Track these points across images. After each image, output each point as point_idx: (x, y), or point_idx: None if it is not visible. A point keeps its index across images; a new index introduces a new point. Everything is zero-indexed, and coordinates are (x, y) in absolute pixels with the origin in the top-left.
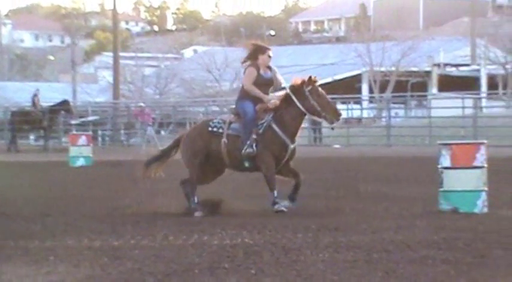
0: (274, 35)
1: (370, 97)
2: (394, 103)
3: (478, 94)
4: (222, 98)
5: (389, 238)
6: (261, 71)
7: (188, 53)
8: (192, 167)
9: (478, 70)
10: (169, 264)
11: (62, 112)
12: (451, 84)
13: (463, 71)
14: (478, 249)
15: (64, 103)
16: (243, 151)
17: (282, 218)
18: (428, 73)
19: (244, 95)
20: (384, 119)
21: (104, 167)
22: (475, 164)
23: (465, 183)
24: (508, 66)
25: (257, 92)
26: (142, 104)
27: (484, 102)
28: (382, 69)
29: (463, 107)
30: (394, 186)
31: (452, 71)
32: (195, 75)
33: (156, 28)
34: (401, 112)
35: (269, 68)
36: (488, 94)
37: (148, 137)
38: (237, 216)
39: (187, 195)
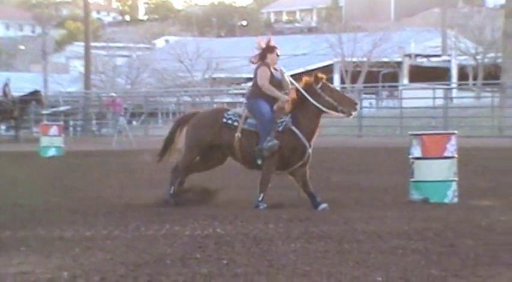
0: (246, 26)
1: (342, 88)
2: (365, 94)
3: (449, 85)
4: (194, 88)
5: (361, 228)
6: (272, 71)
7: (160, 43)
8: (190, 153)
9: (449, 61)
10: (140, 254)
11: (33, 102)
12: (422, 75)
13: (434, 61)
14: (448, 239)
15: (35, 93)
16: (265, 144)
17: (254, 209)
18: (399, 64)
19: (257, 94)
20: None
21: (75, 157)
22: (446, 154)
23: (436, 174)
24: (478, 57)
25: (275, 92)
26: (113, 94)
27: (454, 93)
28: (354, 59)
29: (434, 98)
30: (366, 176)
31: (423, 61)
32: (166, 66)
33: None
34: (372, 103)
35: (275, 69)
36: (459, 85)
37: (119, 127)
38: (209, 206)
39: (171, 182)
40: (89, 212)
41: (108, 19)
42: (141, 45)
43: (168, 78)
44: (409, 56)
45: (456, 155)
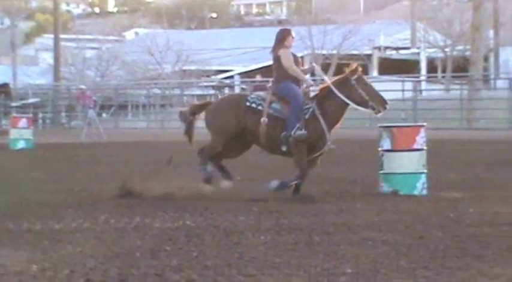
0: (216, 18)
1: (312, 80)
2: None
3: (418, 77)
4: (164, 81)
5: (331, 220)
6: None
7: (130, 35)
8: (216, 139)
9: (418, 53)
10: (110, 247)
11: (2, 95)
12: (392, 67)
13: (403, 54)
14: (417, 231)
15: (4, 86)
16: (293, 132)
17: (224, 201)
18: (369, 56)
19: (285, 76)
20: None
21: (44, 149)
22: (415, 146)
23: (405, 166)
24: (447, 50)
25: (301, 74)
26: (83, 87)
27: (423, 85)
28: (324, 52)
29: (403, 90)
30: (335, 168)
31: (392, 54)
32: (136, 58)
33: (97, 10)
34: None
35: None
36: (428, 77)
37: (89, 119)
38: (179, 198)
39: (201, 164)
40: (58, 205)
41: (77, 11)
42: (111, 37)
43: (138, 71)
44: (379, 48)
45: (425, 147)
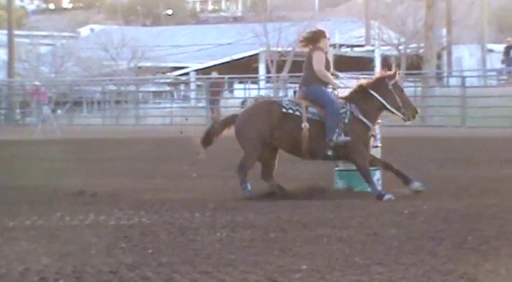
0: (171, 15)
1: (267, 77)
2: (291, 83)
3: (373, 74)
4: (119, 77)
5: (286, 217)
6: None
7: (85, 31)
8: (253, 151)
9: (373, 51)
10: (65, 244)
11: None
12: (346, 64)
13: (358, 51)
14: (371, 228)
15: None
16: (334, 138)
17: (180, 198)
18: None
19: (315, 80)
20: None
21: None
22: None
23: None
24: (401, 47)
25: (329, 78)
26: (37, 83)
27: None
28: (279, 49)
29: None
30: (291, 165)
31: (347, 51)
32: (91, 54)
33: (51, 6)
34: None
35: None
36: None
37: (44, 116)
38: (135, 195)
39: (242, 183)
40: (13, 202)
41: (31, 7)
42: (66, 33)
43: (93, 67)
44: (333, 46)
45: (380, 144)
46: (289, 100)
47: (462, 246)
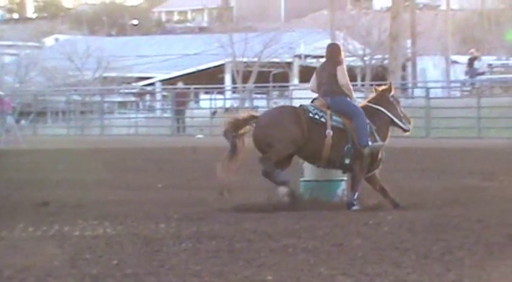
0: (137, 25)
1: (233, 87)
2: (256, 94)
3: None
4: (84, 87)
5: (251, 228)
6: None
7: (49, 41)
8: (282, 150)
9: None
10: (28, 256)
11: None
12: (312, 75)
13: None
14: (336, 238)
15: None
16: (370, 143)
17: (145, 209)
18: (289, 64)
19: (340, 92)
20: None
21: None
22: None
23: (325, 173)
24: (366, 58)
25: (352, 92)
26: (1, 93)
27: None
28: (245, 60)
29: None
30: (256, 176)
31: (312, 62)
32: (56, 64)
33: (16, 16)
34: (263, 102)
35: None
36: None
37: (8, 126)
38: (100, 206)
39: (270, 174)
40: None
41: None
42: (30, 43)
43: (57, 77)
44: (299, 56)
45: None
46: (313, 106)
47: (426, 257)
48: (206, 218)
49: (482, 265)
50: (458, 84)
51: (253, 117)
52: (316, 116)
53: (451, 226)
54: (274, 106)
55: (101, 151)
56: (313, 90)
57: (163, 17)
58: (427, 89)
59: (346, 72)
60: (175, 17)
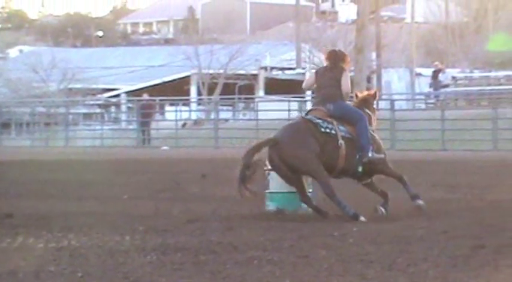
0: (102, 36)
1: (199, 99)
2: (222, 105)
3: (303, 97)
4: (49, 99)
5: (217, 240)
6: None
7: (14, 52)
8: (318, 168)
9: (303, 74)
10: None
11: None
12: (278, 87)
13: (289, 74)
14: (302, 250)
15: None
16: (371, 155)
17: (109, 220)
18: (255, 76)
19: (341, 97)
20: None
21: None
22: None
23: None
24: None
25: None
26: None
27: (308, 105)
28: (211, 71)
29: (289, 110)
30: (222, 187)
31: (278, 74)
32: (21, 76)
33: None
34: (229, 114)
35: None
36: (313, 97)
37: None
38: (64, 218)
39: (339, 205)
40: None
41: None
42: None
43: (22, 89)
44: (265, 68)
45: None
46: (319, 118)
47: (391, 268)
48: (172, 230)
49: (446, 277)
50: (422, 97)
51: (270, 140)
52: (328, 129)
53: (415, 238)
54: (286, 124)
55: (66, 163)
56: (305, 88)
57: (129, 29)
58: (392, 101)
59: (349, 81)
60: (141, 29)
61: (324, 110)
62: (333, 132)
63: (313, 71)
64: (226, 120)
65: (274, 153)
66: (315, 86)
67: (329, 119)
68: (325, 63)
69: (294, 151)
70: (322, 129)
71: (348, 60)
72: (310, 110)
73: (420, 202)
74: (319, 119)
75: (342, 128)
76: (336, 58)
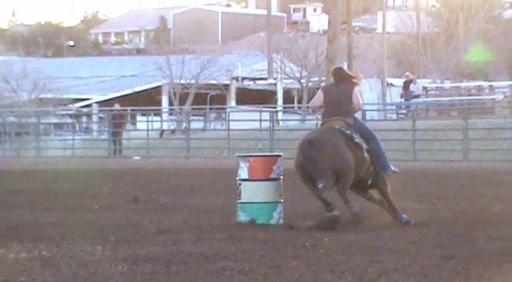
0: (73, 46)
1: (170, 109)
2: (193, 115)
3: (275, 107)
4: (20, 109)
5: (188, 250)
6: None
7: None
8: (352, 176)
9: (275, 84)
10: None
11: None
12: (249, 97)
13: (261, 84)
14: (273, 260)
15: None
16: (393, 168)
17: (81, 230)
18: (227, 86)
19: (353, 112)
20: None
21: None
22: (272, 176)
23: (262, 195)
24: (302, 81)
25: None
26: None
27: (280, 116)
28: (182, 81)
29: (261, 120)
30: (193, 198)
31: (250, 84)
32: None
33: None
34: (200, 124)
35: None
36: (285, 107)
37: None
38: (35, 228)
39: (347, 203)
40: None
41: None
42: None
43: None
44: (236, 78)
45: (282, 177)
46: (348, 129)
47: (362, 279)
48: (142, 240)
49: None
50: (394, 107)
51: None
52: (358, 141)
53: (386, 248)
54: (315, 128)
55: (37, 173)
56: (314, 107)
57: (100, 39)
58: (363, 111)
59: (359, 96)
60: (112, 39)
61: (346, 121)
62: (362, 144)
63: (320, 90)
64: (204, 130)
65: (314, 152)
66: (323, 103)
67: (354, 130)
68: (331, 80)
69: (342, 154)
70: (355, 140)
71: (360, 76)
72: (328, 120)
73: (404, 216)
74: (348, 129)
75: (361, 140)
76: (344, 74)
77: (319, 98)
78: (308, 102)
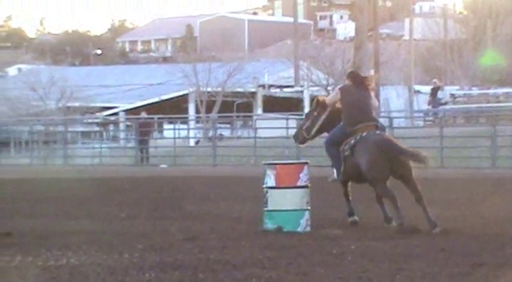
0: (100, 54)
1: (197, 117)
2: (220, 123)
3: (301, 115)
4: (48, 117)
5: (215, 257)
6: None
7: (12, 71)
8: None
9: (301, 91)
10: None
11: None
12: (276, 105)
13: (287, 92)
14: (300, 268)
15: None
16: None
17: (108, 238)
18: (253, 94)
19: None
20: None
21: None
22: (299, 183)
23: (289, 203)
24: (329, 88)
25: None
26: None
27: None
28: (209, 89)
29: (287, 128)
30: (220, 205)
31: (276, 92)
32: (19, 94)
33: None
34: (227, 132)
35: None
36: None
37: None
38: (63, 236)
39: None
40: None
41: None
42: None
43: (21, 107)
44: (263, 86)
45: (309, 185)
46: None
47: None
48: (170, 248)
49: None
50: (421, 114)
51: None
52: None
53: (413, 255)
54: (369, 133)
55: (64, 181)
56: (329, 104)
57: (127, 47)
58: (391, 118)
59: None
60: (139, 47)
61: (376, 124)
62: None
63: (338, 89)
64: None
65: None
66: (340, 103)
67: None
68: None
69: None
70: None
71: (371, 78)
72: (365, 125)
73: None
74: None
75: None
76: (362, 78)
77: (336, 96)
78: None
